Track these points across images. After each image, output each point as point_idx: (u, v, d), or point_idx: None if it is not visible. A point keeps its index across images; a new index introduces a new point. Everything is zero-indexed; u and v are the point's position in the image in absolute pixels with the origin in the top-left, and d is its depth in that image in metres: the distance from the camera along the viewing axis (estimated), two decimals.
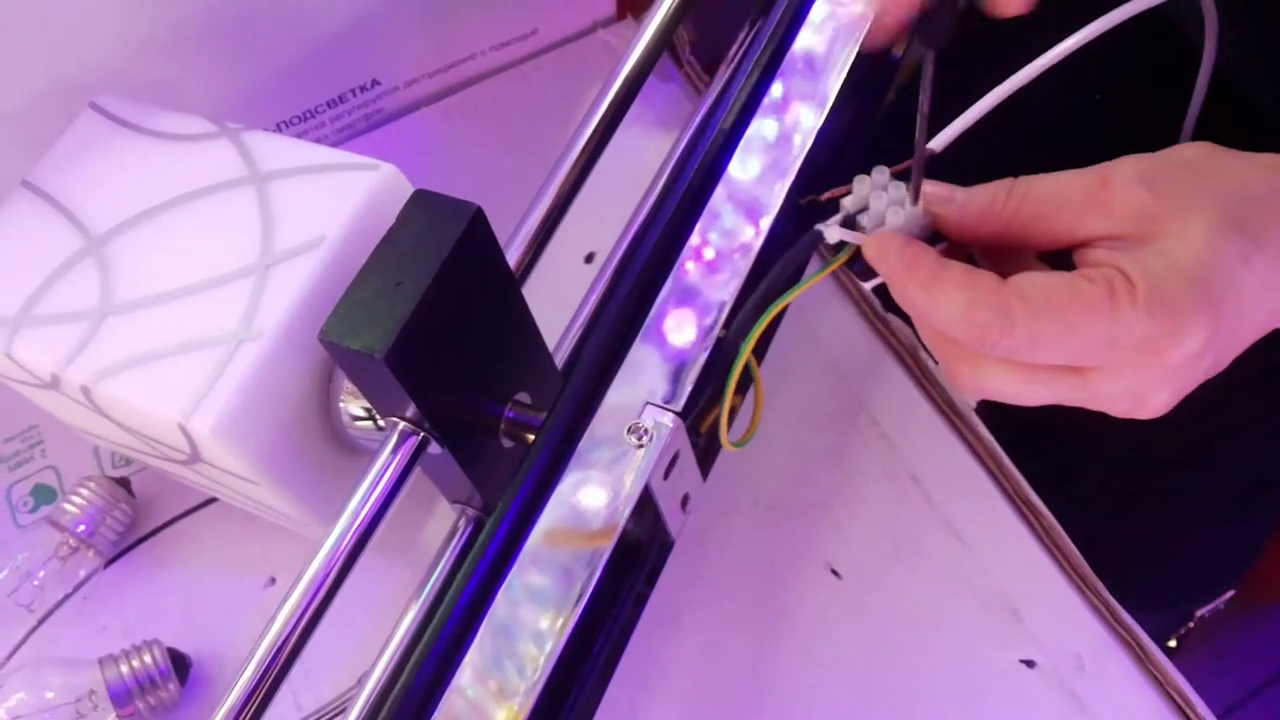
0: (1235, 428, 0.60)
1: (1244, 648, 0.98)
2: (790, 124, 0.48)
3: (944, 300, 0.35)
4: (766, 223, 0.45)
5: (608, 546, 0.39)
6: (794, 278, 0.41)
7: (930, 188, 0.38)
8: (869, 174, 0.39)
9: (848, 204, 0.39)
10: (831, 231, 0.39)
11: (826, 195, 0.41)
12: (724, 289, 0.43)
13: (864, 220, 0.39)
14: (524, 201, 0.46)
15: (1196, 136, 0.46)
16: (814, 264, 0.50)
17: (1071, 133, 0.45)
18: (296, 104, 0.63)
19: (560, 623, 0.38)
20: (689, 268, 0.44)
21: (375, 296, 0.35)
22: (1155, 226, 0.35)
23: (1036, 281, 0.35)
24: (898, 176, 0.39)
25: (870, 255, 0.38)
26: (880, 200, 0.39)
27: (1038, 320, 0.34)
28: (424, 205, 0.37)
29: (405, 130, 0.67)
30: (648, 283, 0.45)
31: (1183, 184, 0.35)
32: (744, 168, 0.47)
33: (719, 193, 0.46)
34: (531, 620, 0.38)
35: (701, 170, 0.48)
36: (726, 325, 0.43)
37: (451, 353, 0.38)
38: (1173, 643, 0.82)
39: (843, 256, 0.40)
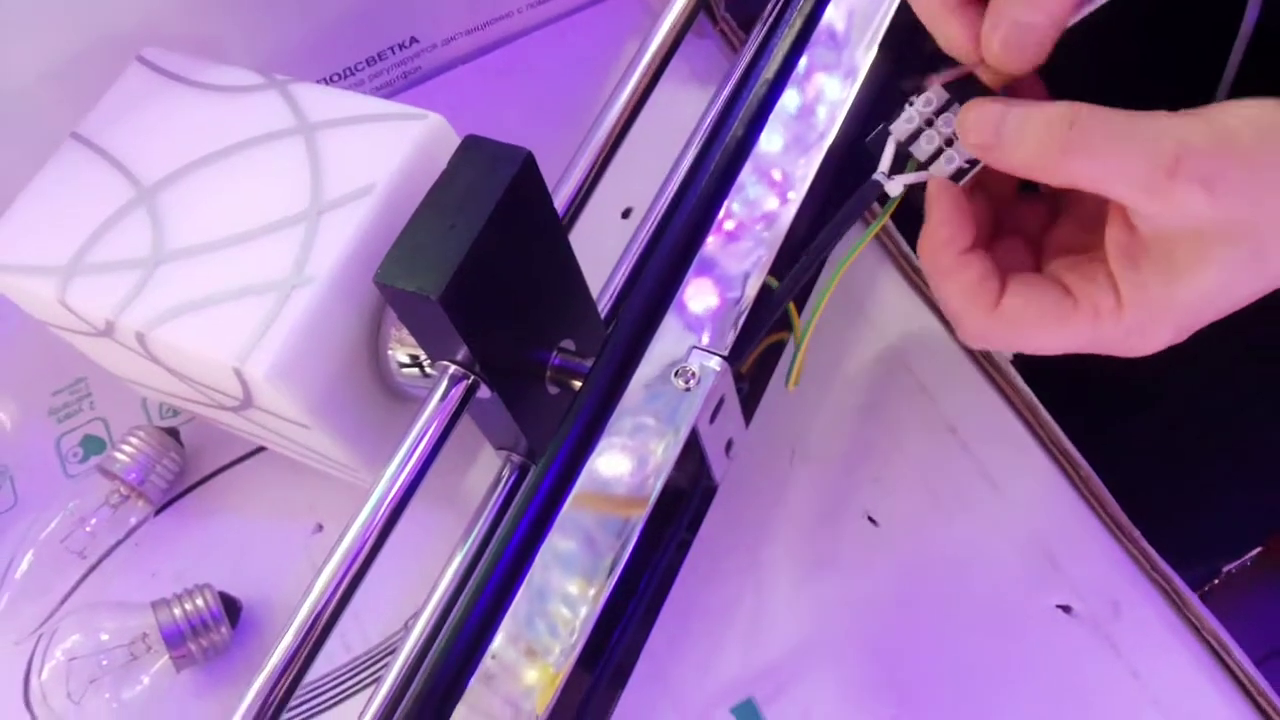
0: (1270, 387, 0.60)
1: (1269, 605, 0.98)
2: (823, 88, 0.48)
3: (943, 293, 0.38)
4: (798, 191, 0.45)
5: (652, 496, 0.39)
6: (845, 227, 0.41)
7: (973, 116, 0.36)
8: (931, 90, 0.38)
9: (897, 132, 0.38)
10: (893, 185, 0.39)
11: (929, 79, 0.38)
12: (764, 248, 0.44)
13: (916, 152, 0.38)
14: (560, 158, 0.46)
15: (1240, 75, 0.46)
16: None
17: (1111, 73, 0.43)
18: (336, 61, 0.64)
19: (606, 569, 0.38)
20: (728, 226, 0.45)
21: (429, 239, 0.36)
22: (1190, 232, 0.34)
23: (1029, 306, 0.37)
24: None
25: (928, 196, 0.38)
26: (932, 141, 0.37)
27: (1019, 338, 0.38)
28: (476, 150, 0.37)
29: (442, 88, 0.68)
30: (689, 237, 0.46)
31: (1242, 193, 0.33)
32: (778, 133, 0.47)
33: (755, 154, 0.47)
34: (577, 567, 0.38)
35: (739, 129, 0.48)
36: (777, 276, 0.44)
37: (502, 296, 0.38)
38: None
39: (892, 205, 0.40)
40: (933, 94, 0.37)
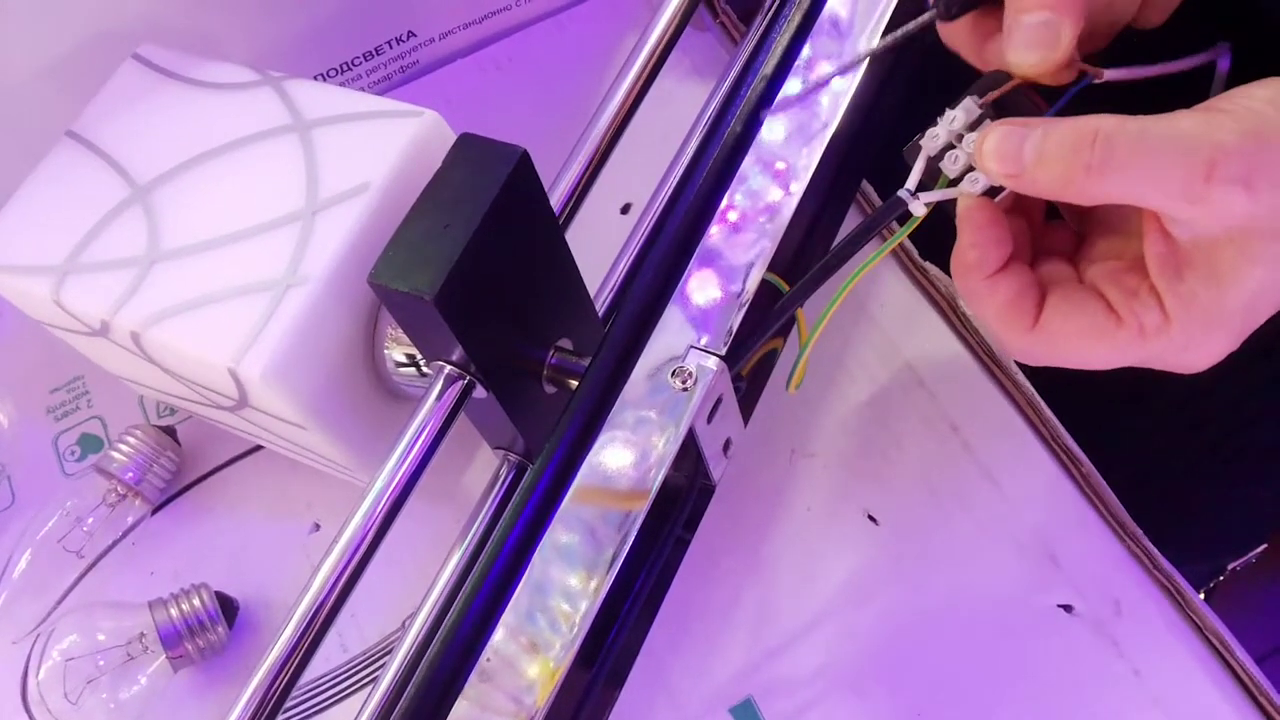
0: (1275, 382, 0.60)
1: (1274, 601, 0.98)
2: (826, 79, 0.48)
3: (979, 315, 0.37)
4: (799, 186, 0.45)
5: (653, 488, 0.39)
6: (862, 241, 0.40)
7: (991, 147, 0.33)
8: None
9: (926, 146, 0.36)
10: (917, 205, 0.37)
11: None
12: (767, 239, 0.44)
13: (946, 168, 0.36)
14: (559, 153, 0.46)
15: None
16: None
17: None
18: (333, 56, 0.64)
19: (607, 562, 0.38)
20: (731, 217, 0.45)
21: (423, 239, 0.36)
22: (1233, 232, 0.32)
23: (1067, 324, 0.35)
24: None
25: (957, 216, 0.37)
26: (958, 160, 0.35)
27: (1062, 356, 0.36)
28: (470, 148, 0.37)
29: (440, 82, 0.67)
30: (688, 234, 0.45)
31: None
32: (781, 123, 0.47)
33: (757, 144, 0.46)
34: (578, 560, 0.38)
35: (739, 122, 0.48)
36: (786, 276, 0.43)
37: (498, 295, 0.38)
38: (1201, 595, 0.82)
39: (911, 225, 0.38)
40: (962, 109, 0.35)
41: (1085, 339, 0.35)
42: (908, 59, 0.52)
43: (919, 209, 0.37)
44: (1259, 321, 0.34)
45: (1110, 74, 0.35)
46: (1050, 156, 0.32)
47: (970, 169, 0.35)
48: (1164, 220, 0.33)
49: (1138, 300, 0.34)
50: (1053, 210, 0.40)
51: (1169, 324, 0.34)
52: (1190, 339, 0.34)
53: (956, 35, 0.38)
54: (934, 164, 0.36)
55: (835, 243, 0.40)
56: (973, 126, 0.35)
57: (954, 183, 0.36)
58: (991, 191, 0.35)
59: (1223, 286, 0.33)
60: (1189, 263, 0.33)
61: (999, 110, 0.35)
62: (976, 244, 0.36)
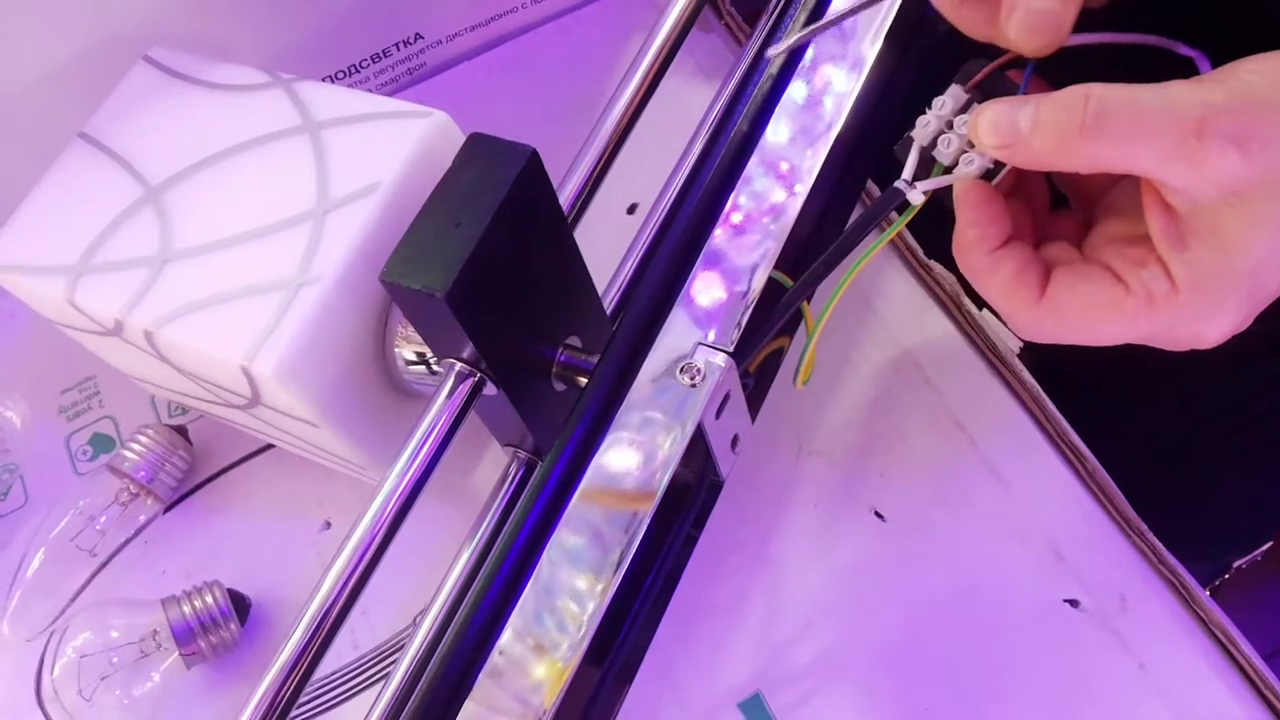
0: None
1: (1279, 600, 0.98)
2: (830, 80, 0.48)
3: (985, 293, 0.37)
4: (803, 187, 0.45)
5: (659, 490, 0.39)
6: (863, 233, 0.40)
7: (987, 121, 0.34)
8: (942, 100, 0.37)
9: (918, 135, 0.37)
10: (915, 194, 0.37)
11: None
12: (771, 240, 0.44)
13: (939, 155, 0.37)
14: (565, 154, 0.46)
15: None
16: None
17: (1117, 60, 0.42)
18: (341, 58, 0.64)
19: (613, 564, 0.38)
20: (735, 219, 0.45)
21: (434, 237, 0.36)
22: (1230, 197, 0.32)
23: (1074, 294, 0.35)
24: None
25: (955, 198, 0.37)
26: (951, 144, 0.36)
27: (1071, 330, 0.36)
28: (480, 148, 0.38)
29: (447, 84, 0.68)
30: (694, 234, 0.46)
31: (1276, 145, 0.31)
32: (785, 124, 0.47)
33: (761, 146, 0.47)
34: (585, 562, 0.39)
35: (745, 122, 0.48)
36: (791, 276, 0.44)
37: (508, 293, 0.39)
38: (1207, 592, 0.82)
39: (910, 214, 0.38)
40: (949, 96, 0.36)
41: (1094, 309, 0.35)
42: (912, 60, 0.52)
43: (917, 197, 0.37)
44: (1266, 293, 0.34)
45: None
46: (1044, 122, 0.33)
47: (963, 152, 0.36)
48: (1163, 190, 0.33)
49: (1145, 270, 0.34)
50: (1057, 200, 0.41)
51: (1177, 292, 0.34)
52: (1199, 307, 0.34)
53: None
54: (927, 154, 0.37)
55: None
56: (961, 112, 0.36)
57: (949, 170, 0.37)
58: (988, 176, 0.36)
59: (1227, 252, 0.33)
60: (1193, 231, 0.33)
61: (984, 94, 0.36)
62: (975, 222, 0.36)
